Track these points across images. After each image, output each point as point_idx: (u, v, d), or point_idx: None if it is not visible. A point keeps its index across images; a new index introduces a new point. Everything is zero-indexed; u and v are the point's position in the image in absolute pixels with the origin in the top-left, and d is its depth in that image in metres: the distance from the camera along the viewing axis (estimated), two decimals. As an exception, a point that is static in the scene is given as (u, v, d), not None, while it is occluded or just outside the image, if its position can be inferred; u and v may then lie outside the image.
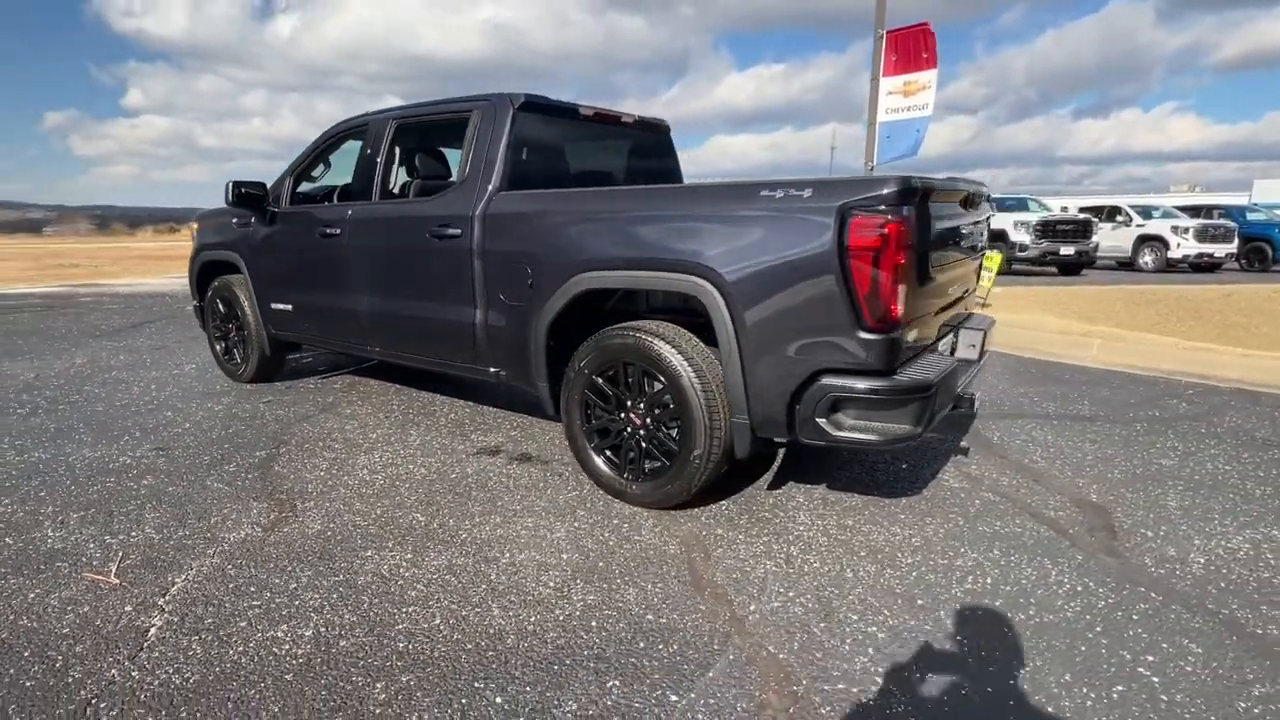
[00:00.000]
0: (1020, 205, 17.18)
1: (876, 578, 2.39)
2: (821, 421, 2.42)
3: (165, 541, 2.61)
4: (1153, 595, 2.28)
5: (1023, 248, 15.28)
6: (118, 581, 2.33)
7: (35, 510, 2.86)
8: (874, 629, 2.10)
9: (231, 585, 2.31)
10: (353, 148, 4.16)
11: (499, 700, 1.78)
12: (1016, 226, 15.53)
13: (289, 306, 4.40)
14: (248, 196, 4.22)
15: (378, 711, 1.74)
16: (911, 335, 2.52)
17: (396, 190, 4.08)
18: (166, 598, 2.24)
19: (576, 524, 2.79)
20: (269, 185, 4.41)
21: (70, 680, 1.84)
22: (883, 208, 2.25)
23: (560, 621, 2.13)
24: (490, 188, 3.27)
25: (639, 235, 2.79)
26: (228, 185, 4.14)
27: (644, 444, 2.87)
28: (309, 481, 3.20)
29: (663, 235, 2.72)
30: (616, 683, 1.85)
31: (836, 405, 2.41)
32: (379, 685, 1.83)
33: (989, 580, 2.38)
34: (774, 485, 3.20)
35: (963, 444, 3.77)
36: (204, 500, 2.98)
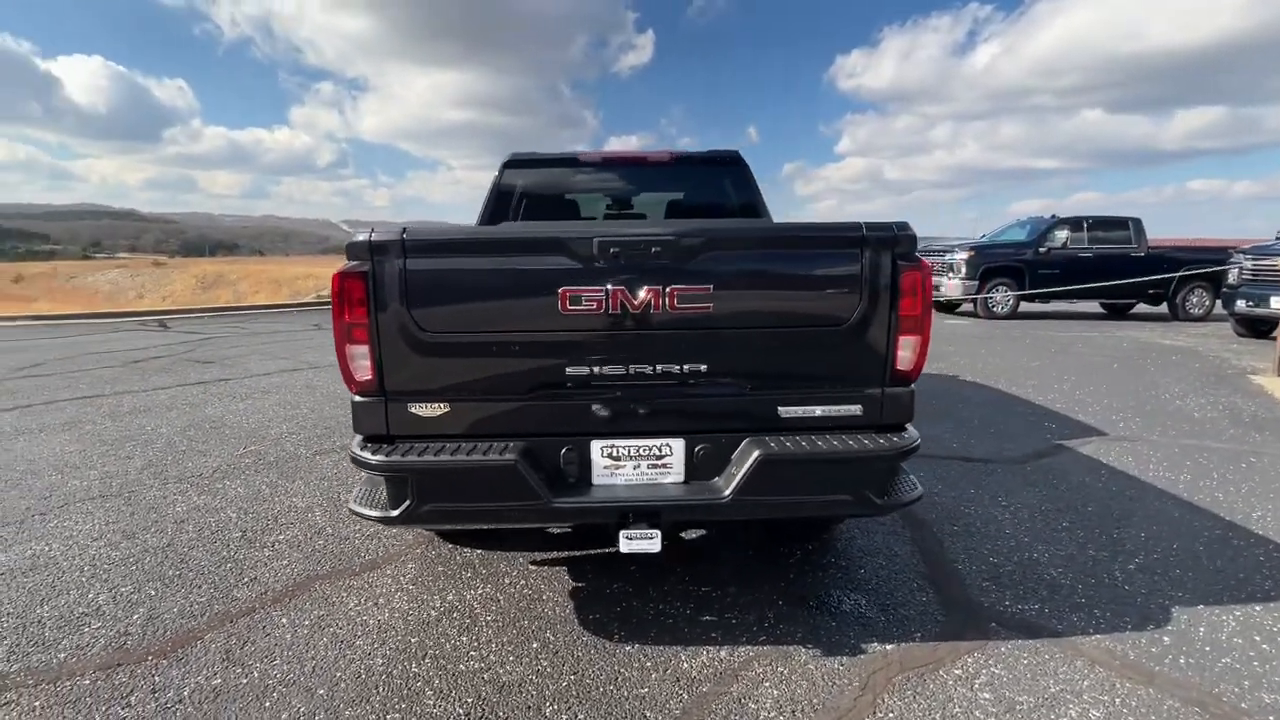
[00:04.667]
0: None
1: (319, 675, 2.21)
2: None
3: (221, 421, 4.33)
4: None
5: None
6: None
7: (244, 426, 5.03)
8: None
9: (169, 468, 3.84)
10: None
11: (116, 594, 2.67)
12: None
13: None
14: None
15: (66, 549, 2.85)
16: (435, 409, 2.14)
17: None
18: (144, 456, 3.86)
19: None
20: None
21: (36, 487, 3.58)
22: (346, 263, 2.07)
23: (207, 548, 2.86)
24: None
25: None
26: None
27: None
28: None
29: None
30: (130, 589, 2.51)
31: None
32: (88, 524, 2.96)
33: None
34: (543, 563, 2.95)
35: (875, 643, 2.49)
36: (281, 433, 4.66)
